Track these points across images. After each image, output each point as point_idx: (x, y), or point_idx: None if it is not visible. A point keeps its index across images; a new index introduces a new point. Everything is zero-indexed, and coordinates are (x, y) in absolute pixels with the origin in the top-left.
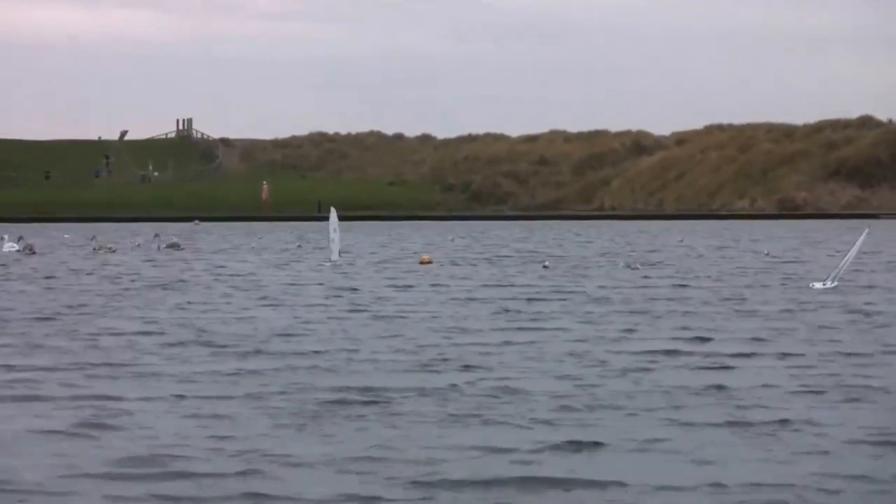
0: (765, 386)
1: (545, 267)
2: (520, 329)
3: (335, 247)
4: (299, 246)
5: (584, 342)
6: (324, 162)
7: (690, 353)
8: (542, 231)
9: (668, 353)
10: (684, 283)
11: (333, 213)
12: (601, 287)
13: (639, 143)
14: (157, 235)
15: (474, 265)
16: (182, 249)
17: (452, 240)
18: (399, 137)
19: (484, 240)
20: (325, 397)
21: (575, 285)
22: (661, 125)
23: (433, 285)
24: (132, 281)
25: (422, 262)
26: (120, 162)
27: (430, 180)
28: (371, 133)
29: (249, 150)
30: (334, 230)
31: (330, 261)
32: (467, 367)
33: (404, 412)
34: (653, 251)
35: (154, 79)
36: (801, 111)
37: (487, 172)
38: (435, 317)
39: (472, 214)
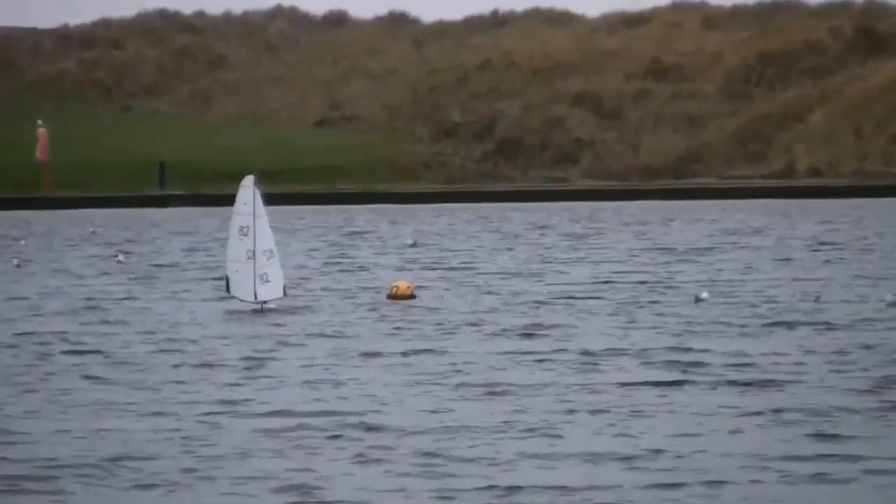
0: None
1: (700, 299)
2: None
3: (241, 269)
4: (119, 260)
5: None
6: (172, 78)
7: None
8: (658, 219)
9: None
10: None
11: (249, 188)
12: None
13: (869, 29)
14: None
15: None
16: None
17: (413, 244)
18: (339, 20)
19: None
20: None
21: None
22: None
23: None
24: None
25: (393, 297)
26: None
27: (407, 115)
28: (277, 10)
29: (4, 48)
30: (242, 231)
31: (230, 294)
32: None
33: None
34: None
35: None
36: None
37: (532, 97)
38: None
39: (499, 189)
